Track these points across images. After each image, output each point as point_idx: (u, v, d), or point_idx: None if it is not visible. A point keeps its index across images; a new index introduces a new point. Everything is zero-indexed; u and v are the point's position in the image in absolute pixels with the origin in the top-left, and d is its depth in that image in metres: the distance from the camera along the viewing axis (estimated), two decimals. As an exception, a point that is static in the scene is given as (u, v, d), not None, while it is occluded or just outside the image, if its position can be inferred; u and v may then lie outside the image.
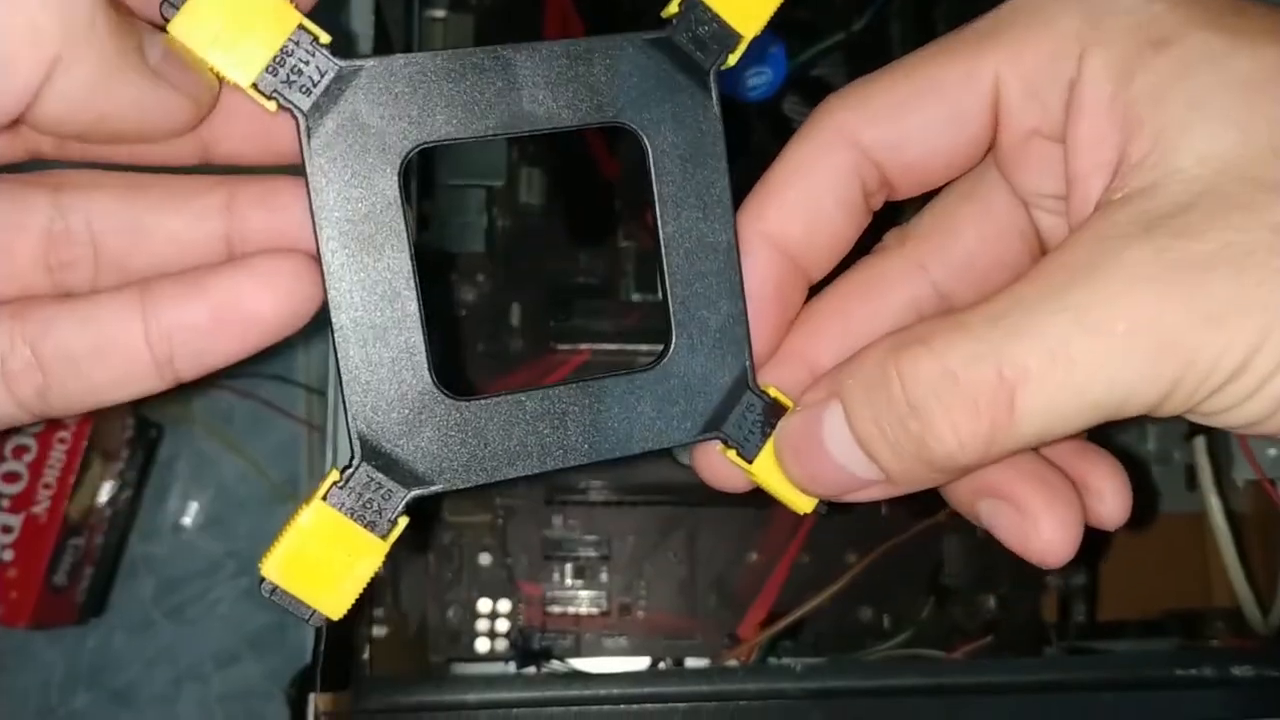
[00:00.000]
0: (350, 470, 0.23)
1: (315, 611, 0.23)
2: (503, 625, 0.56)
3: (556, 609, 0.57)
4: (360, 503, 0.23)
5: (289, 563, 0.23)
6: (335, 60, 0.23)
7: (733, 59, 0.25)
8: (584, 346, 0.59)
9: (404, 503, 0.23)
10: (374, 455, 0.23)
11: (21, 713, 0.62)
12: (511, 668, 0.56)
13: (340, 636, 0.40)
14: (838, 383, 0.25)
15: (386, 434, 0.23)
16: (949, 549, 0.58)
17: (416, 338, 0.23)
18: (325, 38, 0.23)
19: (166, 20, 0.22)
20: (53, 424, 0.56)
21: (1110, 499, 0.27)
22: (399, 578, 0.52)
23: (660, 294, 0.25)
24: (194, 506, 0.65)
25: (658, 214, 0.25)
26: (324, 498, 0.23)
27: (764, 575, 0.57)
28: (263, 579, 0.23)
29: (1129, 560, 0.60)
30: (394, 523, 0.23)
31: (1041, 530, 0.25)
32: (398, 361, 0.23)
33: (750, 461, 0.26)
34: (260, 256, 0.24)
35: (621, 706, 0.40)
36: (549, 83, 0.24)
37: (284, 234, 0.24)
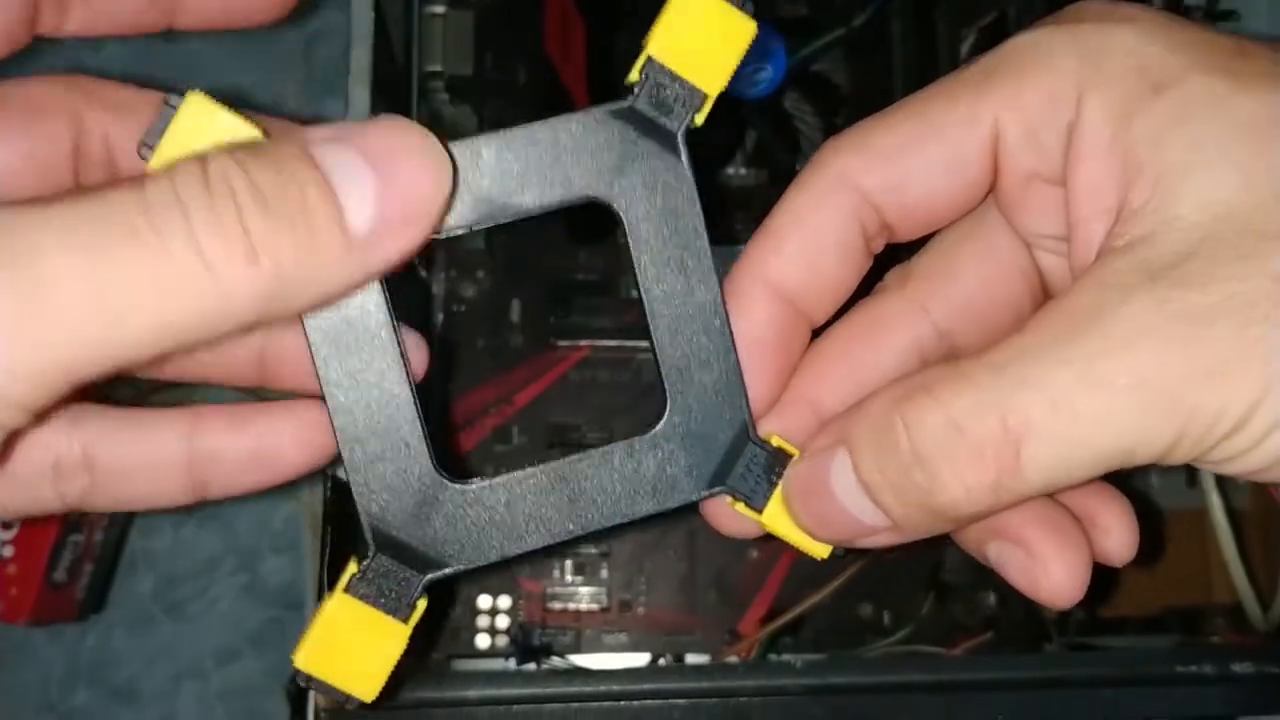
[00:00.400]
0: (367, 562, 0.24)
1: (350, 696, 0.24)
2: (503, 621, 0.56)
3: (557, 605, 0.57)
4: (379, 590, 0.24)
5: (320, 652, 0.24)
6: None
7: (699, 119, 0.25)
8: (584, 343, 0.59)
9: (421, 586, 0.24)
10: (388, 545, 0.24)
11: (21, 709, 0.62)
12: (512, 664, 0.56)
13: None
14: (844, 430, 0.24)
15: (397, 524, 0.24)
16: (949, 546, 0.58)
17: (415, 432, 0.24)
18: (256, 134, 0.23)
19: (144, 159, 0.22)
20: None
21: (1117, 536, 0.27)
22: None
23: (652, 358, 0.26)
24: (194, 503, 0.65)
25: (640, 281, 0.25)
26: (345, 589, 0.24)
27: (764, 572, 0.57)
28: (297, 671, 0.24)
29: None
30: (413, 606, 0.24)
31: (1051, 574, 0.26)
32: (400, 456, 0.24)
33: (760, 511, 0.26)
34: (301, 404, 0.25)
35: (622, 703, 0.40)
36: (517, 169, 0.24)
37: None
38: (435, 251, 0.58)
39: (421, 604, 0.24)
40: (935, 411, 0.23)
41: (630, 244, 0.25)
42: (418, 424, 0.24)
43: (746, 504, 0.26)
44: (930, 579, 0.57)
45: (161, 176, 0.19)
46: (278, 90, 0.68)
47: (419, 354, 0.25)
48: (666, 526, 0.57)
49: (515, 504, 0.25)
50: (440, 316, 0.59)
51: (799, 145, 0.57)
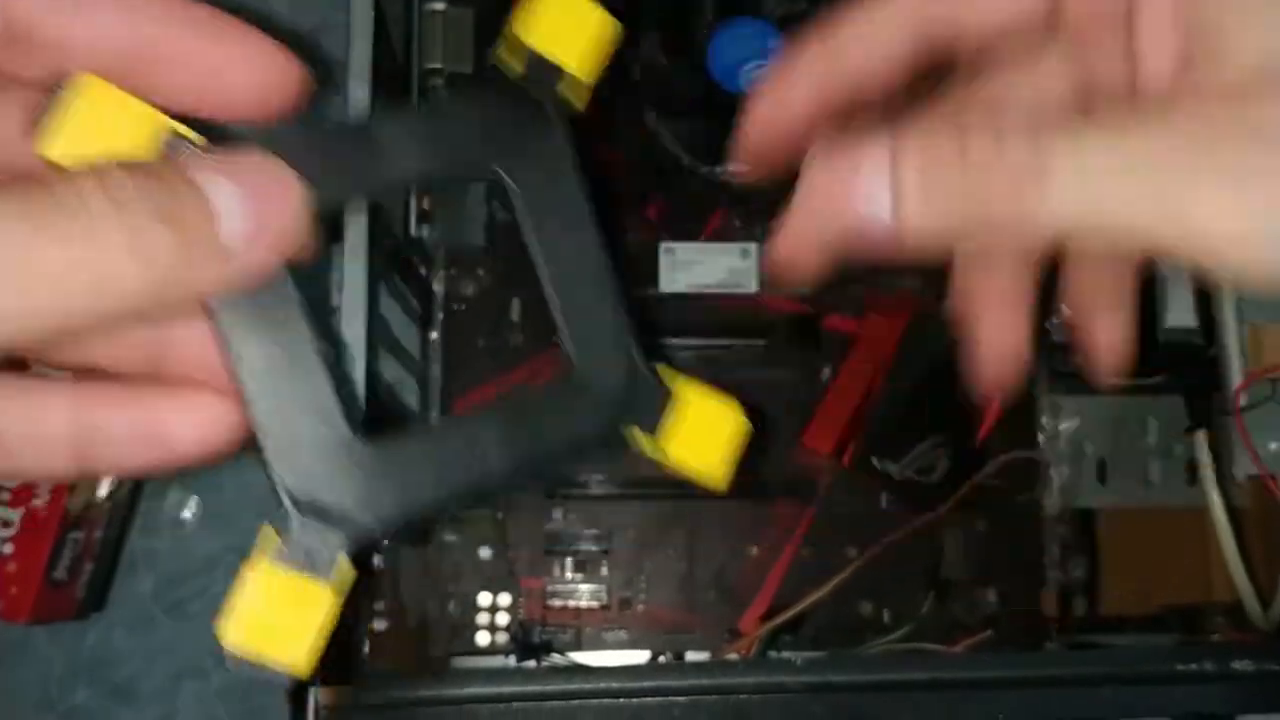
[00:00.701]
0: (287, 528, 0.24)
1: (283, 669, 0.23)
2: (503, 619, 0.56)
3: (557, 603, 0.57)
4: (302, 555, 0.24)
5: (245, 625, 0.23)
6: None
7: (579, 103, 0.27)
8: (584, 341, 0.59)
9: (343, 547, 0.24)
10: (308, 509, 0.24)
11: (21, 707, 0.62)
12: (512, 661, 0.56)
13: (341, 631, 0.40)
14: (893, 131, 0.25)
15: (314, 487, 0.24)
16: (949, 544, 0.58)
17: (328, 396, 0.25)
18: (198, 140, 0.24)
19: (37, 143, 0.22)
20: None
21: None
22: (399, 572, 0.52)
23: (551, 314, 0.27)
24: (194, 501, 0.65)
25: (529, 244, 0.27)
26: (266, 556, 0.24)
27: (764, 569, 0.57)
28: (223, 645, 0.23)
29: (1129, 555, 0.60)
30: (338, 568, 0.24)
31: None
32: (313, 421, 0.24)
33: (658, 439, 0.27)
34: (196, 387, 0.25)
35: (621, 700, 0.40)
36: (407, 144, 0.26)
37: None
38: (436, 250, 0.58)
39: (346, 566, 0.24)
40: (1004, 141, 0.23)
41: (518, 212, 0.27)
42: (329, 388, 0.25)
43: (648, 435, 0.27)
44: (930, 577, 0.57)
45: (64, 176, 0.21)
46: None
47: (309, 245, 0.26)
48: (667, 523, 0.57)
49: (430, 459, 0.25)
50: (440, 315, 0.59)
51: (799, 143, 0.57)
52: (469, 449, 0.26)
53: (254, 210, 0.23)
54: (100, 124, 0.23)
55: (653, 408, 0.27)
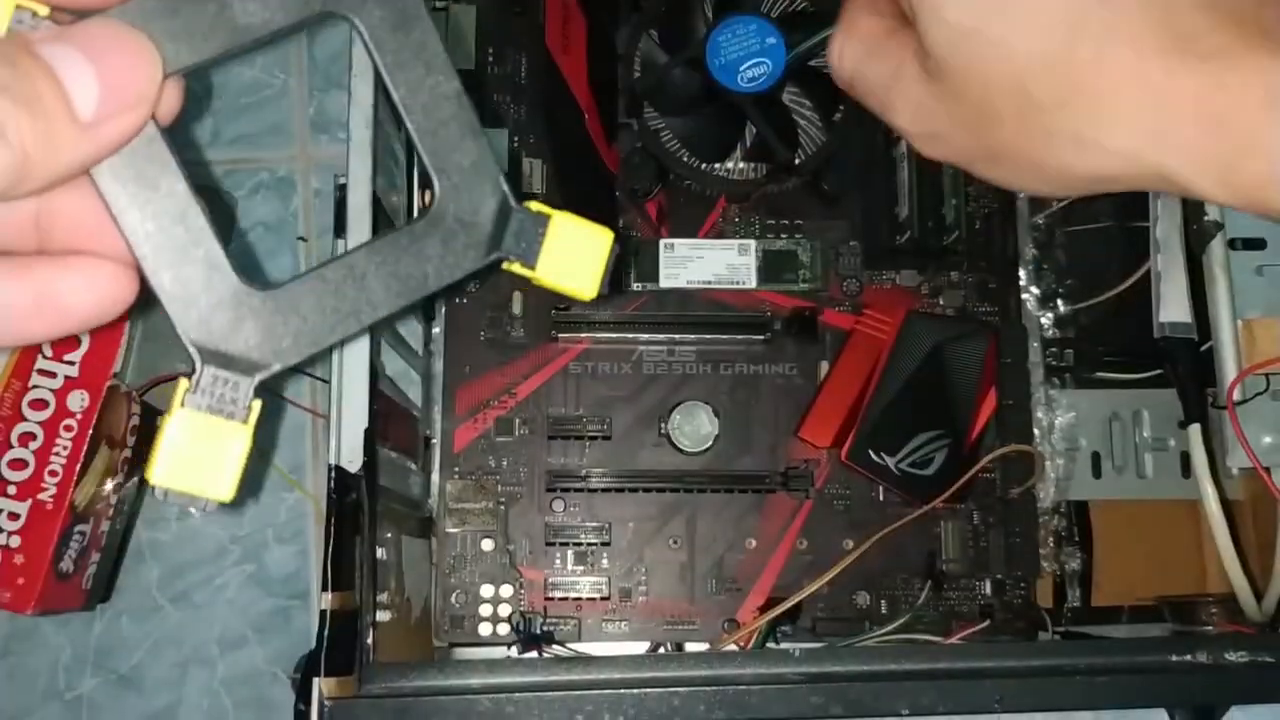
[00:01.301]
0: (197, 375, 0.26)
1: (208, 500, 0.26)
2: (505, 610, 0.57)
3: (558, 594, 0.57)
4: (215, 398, 0.26)
5: (171, 466, 0.26)
6: (55, 25, 0.25)
7: None
8: (584, 336, 0.59)
9: (252, 388, 0.26)
10: (212, 357, 0.26)
11: (30, 696, 0.63)
12: (513, 652, 0.56)
13: (345, 622, 0.41)
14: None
15: (216, 336, 0.26)
16: (945, 536, 0.58)
17: (214, 247, 0.26)
18: (43, 10, 0.24)
19: None
20: (60, 412, 0.56)
21: None
22: (403, 564, 0.52)
23: (415, 153, 0.27)
24: (199, 493, 0.65)
25: (388, 83, 0.28)
26: (182, 403, 0.26)
27: (762, 561, 0.58)
28: (153, 487, 0.26)
29: (1123, 547, 0.60)
30: (249, 408, 0.26)
31: None
32: (206, 275, 0.26)
33: (533, 268, 0.28)
34: (85, 255, 0.26)
35: (622, 691, 0.41)
36: None
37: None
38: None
39: (256, 404, 0.26)
40: None
41: (372, 53, 0.27)
42: (216, 245, 0.26)
43: (522, 264, 0.28)
44: (926, 569, 0.58)
45: None
46: (280, 84, 0.69)
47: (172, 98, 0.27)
48: (666, 515, 0.58)
49: (319, 299, 0.27)
50: (442, 309, 0.59)
51: (797, 139, 0.57)
52: (355, 287, 0.27)
53: (107, 80, 0.23)
54: None
55: (527, 240, 0.28)
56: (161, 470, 0.26)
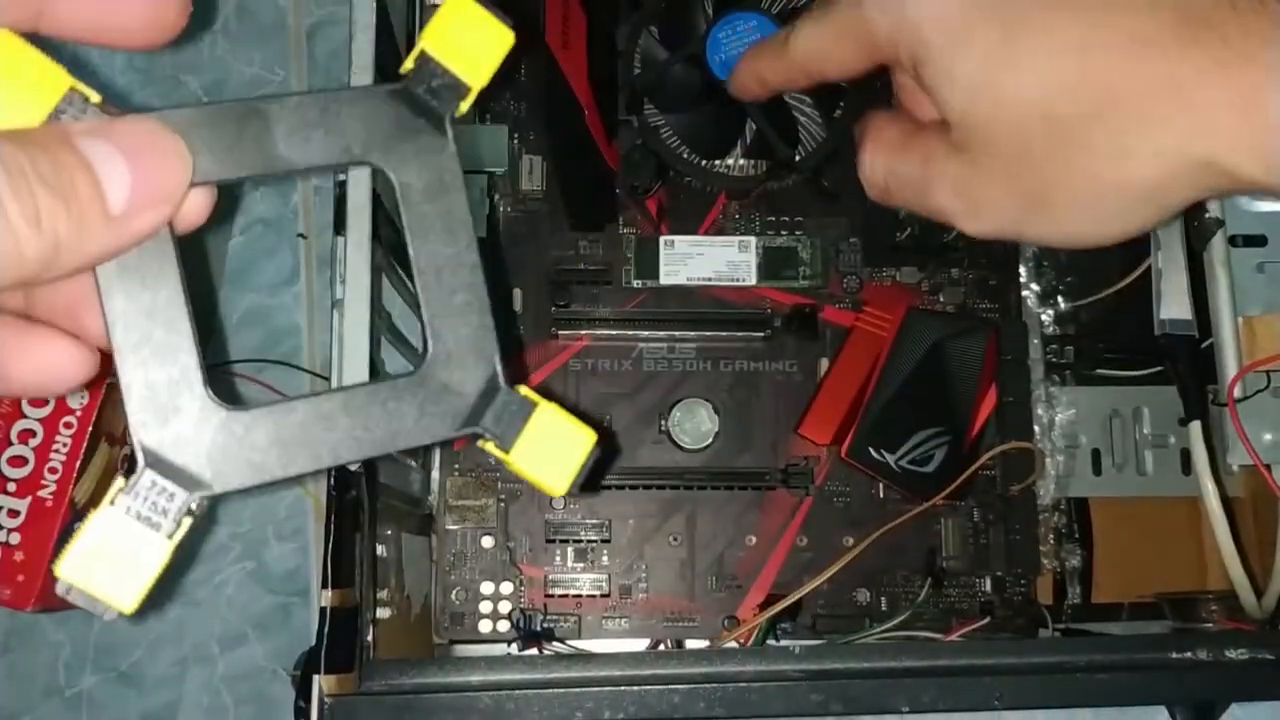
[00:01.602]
0: (136, 478, 0.25)
1: (107, 608, 0.25)
2: (505, 607, 0.57)
3: (558, 591, 0.57)
4: (147, 505, 0.25)
5: (82, 563, 0.25)
6: (100, 114, 0.25)
7: (464, 106, 0.28)
8: (584, 333, 0.59)
9: (186, 504, 0.25)
10: (157, 463, 0.25)
11: (30, 693, 0.63)
12: (514, 649, 0.56)
13: (345, 619, 0.41)
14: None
15: (167, 444, 0.25)
16: (945, 533, 0.58)
17: (191, 359, 0.26)
18: (95, 97, 0.24)
19: None
20: (59, 409, 0.56)
21: None
22: (403, 561, 0.52)
23: (416, 311, 0.27)
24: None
25: (408, 240, 0.27)
26: (112, 502, 0.25)
27: (762, 558, 0.58)
28: (57, 579, 0.25)
29: (1124, 544, 0.60)
30: (178, 523, 0.25)
31: None
32: (175, 380, 0.26)
33: (508, 452, 0.28)
34: (44, 334, 0.27)
35: (622, 688, 0.41)
36: (302, 130, 0.27)
37: None
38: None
39: (186, 522, 0.25)
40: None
41: (402, 207, 0.27)
42: (195, 357, 0.26)
43: (497, 444, 0.28)
44: (927, 566, 0.58)
45: None
46: (280, 80, 0.68)
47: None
48: (666, 512, 0.58)
49: (282, 432, 0.26)
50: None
51: (798, 136, 0.57)
52: (321, 429, 0.27)
53: (139, 177, 0.24)
54: (5, 79, 0.24)
55: (507, 423, 0.28)
56: (70, 565, 0.25)
